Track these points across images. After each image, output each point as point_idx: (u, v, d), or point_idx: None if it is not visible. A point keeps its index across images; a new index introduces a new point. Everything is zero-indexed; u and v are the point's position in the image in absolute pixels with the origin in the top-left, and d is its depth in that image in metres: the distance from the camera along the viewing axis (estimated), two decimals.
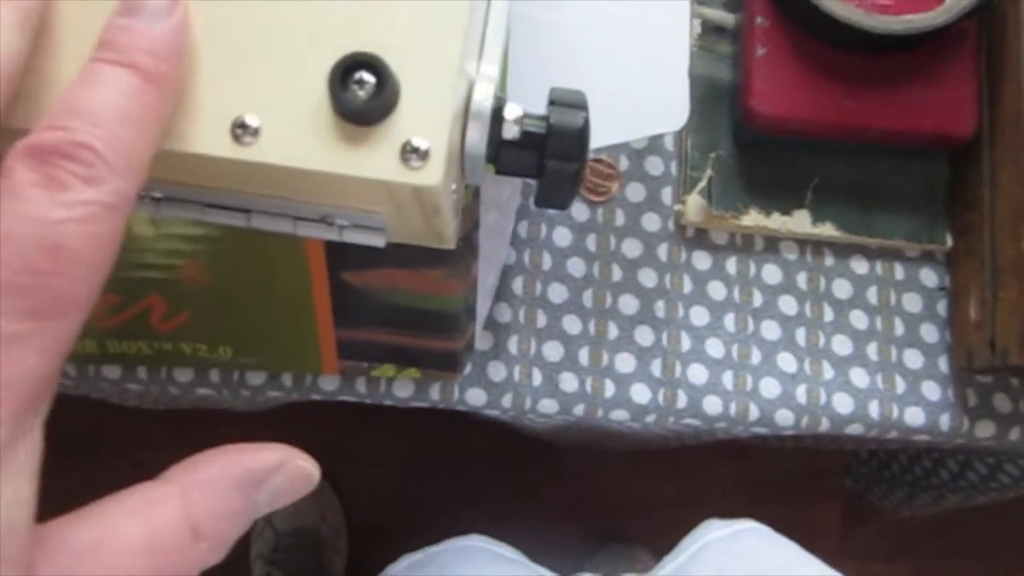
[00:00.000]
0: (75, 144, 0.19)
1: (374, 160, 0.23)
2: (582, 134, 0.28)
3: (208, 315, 0.40)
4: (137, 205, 0.27)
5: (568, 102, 0.28)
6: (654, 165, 0.50)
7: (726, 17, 0.50)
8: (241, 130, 0.23)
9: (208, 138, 0.23)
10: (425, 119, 0.23)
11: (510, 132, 0.27)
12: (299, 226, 0.27)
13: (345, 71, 0.22)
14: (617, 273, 0.49)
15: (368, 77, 0.23)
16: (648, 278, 0.49)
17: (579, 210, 0.49)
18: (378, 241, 0.27)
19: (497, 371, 0.47)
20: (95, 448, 1.08)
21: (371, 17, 0.24)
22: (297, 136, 0.23)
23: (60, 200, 0.19)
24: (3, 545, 0.18)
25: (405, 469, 1.13)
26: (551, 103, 0.28)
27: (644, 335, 0.48)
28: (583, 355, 0.48)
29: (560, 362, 0.47)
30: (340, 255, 0.36)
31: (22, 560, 0.19)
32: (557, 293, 0.48)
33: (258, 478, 0.23)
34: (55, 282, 0.19)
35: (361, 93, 0.23)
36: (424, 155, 0.23)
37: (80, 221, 0.19)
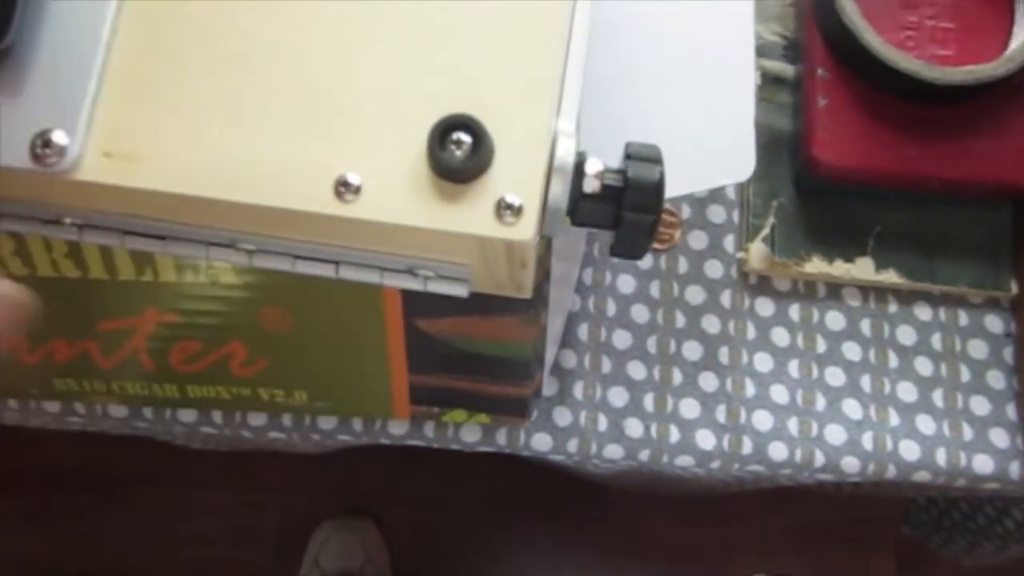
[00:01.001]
0: None
1: (470, 216, 0.24)
2: (659, 187, 0.29)
3: (286, 361, 0.41)
4: (231, 256, 0.28)
5: (644, 156, 0.29)
6: (716, 213, 0.51)
7: (785, 68, 0.51)
8: (344, 188, 0.24)
9: (312, 195, 0.24)
10: (518, 176, 0.24)
11: (591, 186, 0.28)
12: (386, 277, 0.28)
13: (444, 131, 0.24)
14: (681, 319, 0.49)
15: (465, 137, 0.24)
16: (711, 324, 0.49)
17: None
18: (461, 291, 0.28)
19: (563, 416, 0.48)
20: (137, 487, 1.10)
21: (466, 78, 0.25)
22: (397, 194, 0.24)
23: None
24: None
25: (450, 512, 1.13)
26: (627, 157, 0.29)
27: (708, 381, 0.48)
28: (648, 401, 0.48)
29: (625, 407, 0.48)
30: (415, 303, 0.37)
31: None
32: (621, 339, 0.49)
33: None
34: None
35: (458, 153, 0.24)
36: (518, 211, 0.24)
37: None
